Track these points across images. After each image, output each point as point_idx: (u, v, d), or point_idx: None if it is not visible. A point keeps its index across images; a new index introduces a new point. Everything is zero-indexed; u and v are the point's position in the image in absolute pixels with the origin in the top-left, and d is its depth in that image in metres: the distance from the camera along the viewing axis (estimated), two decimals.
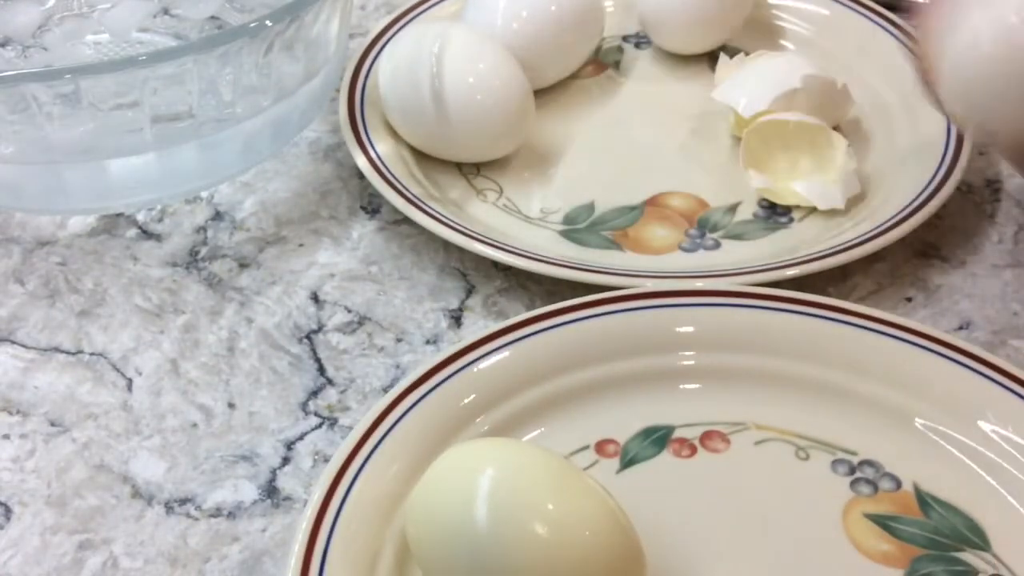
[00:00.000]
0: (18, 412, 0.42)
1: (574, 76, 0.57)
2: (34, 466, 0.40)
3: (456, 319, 0.45)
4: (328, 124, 0.55)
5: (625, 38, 0.60)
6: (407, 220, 0.48)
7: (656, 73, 0.58)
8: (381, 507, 0.35)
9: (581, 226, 0.49)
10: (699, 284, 0.42)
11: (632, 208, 0.50)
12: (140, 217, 0.50)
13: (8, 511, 0.39)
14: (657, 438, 0.39)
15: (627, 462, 0.39)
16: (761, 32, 0.59)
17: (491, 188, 0.51)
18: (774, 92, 0.50)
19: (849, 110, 0.53)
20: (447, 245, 0.48)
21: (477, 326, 0.45)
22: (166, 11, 0.59)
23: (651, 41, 0.59)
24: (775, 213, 0.49)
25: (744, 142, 0.49)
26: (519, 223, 0.49)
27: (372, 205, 0.51)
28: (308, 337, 0.45)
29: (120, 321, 0.46)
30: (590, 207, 0.50)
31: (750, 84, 0.51)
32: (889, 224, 0.46)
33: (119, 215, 0.50)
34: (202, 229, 0.50)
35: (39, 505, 0.39)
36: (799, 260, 0.44)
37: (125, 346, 0.45)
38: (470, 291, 0.46)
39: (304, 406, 0.42)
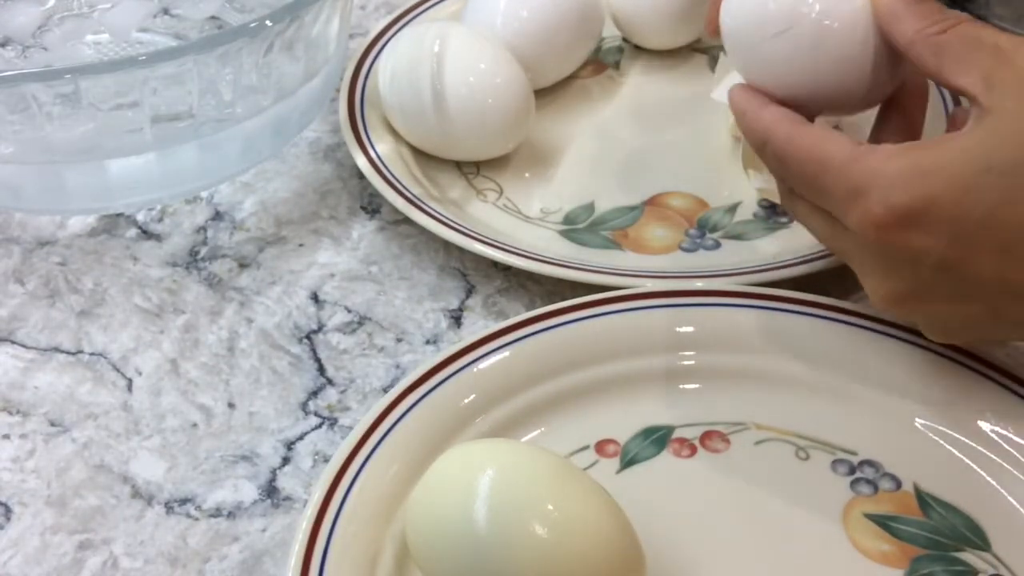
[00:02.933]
0: (18, 412, 0.42)
1: (574, 76, 0.57)
2: (34, 466, 0.40)
3: (456, 319, 0.45)
4: (328, 124, 0.55)
5: (625, 38, 0.60)
6: (407, 220, 0.48)
7: (656, 73, 0.58)
8: (381, 507, 0.35)
9: (581, 226, 0.49)
10: (699, 284, 0.42)
11: (632, 208, 0.50)
12: (140, 217, 0.50)
13: (8, 511, 0.39)
14: (657, 438, 0.39)
15: (627, 462, 0.39)
16: None
17: (491, 188, 0.51)
18: None
19: None
20: (447, 245, 0.48)
21: (477, 326, 0.45)
22: (166, 11, 0.59)
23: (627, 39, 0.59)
24: (775, 213, 0.49)
25: (744, 142, 0.49)
26: (519, 223, 0.49)
27: (372, 205, 0.51)
28: (308, 337, 0.45)
29: (120, 321, 0.46)
30: (590, 207, 0.50)
31: None
32: None
33: (119, 215, 0.50)
34: (202, 229, 0.50)
35: (39, 505, 0.39)
36: (799, 260, 0.44)
37: (125, 346, 0.45)
38: (470, 291, 0.46)
39: (304, 406, 0.42)
